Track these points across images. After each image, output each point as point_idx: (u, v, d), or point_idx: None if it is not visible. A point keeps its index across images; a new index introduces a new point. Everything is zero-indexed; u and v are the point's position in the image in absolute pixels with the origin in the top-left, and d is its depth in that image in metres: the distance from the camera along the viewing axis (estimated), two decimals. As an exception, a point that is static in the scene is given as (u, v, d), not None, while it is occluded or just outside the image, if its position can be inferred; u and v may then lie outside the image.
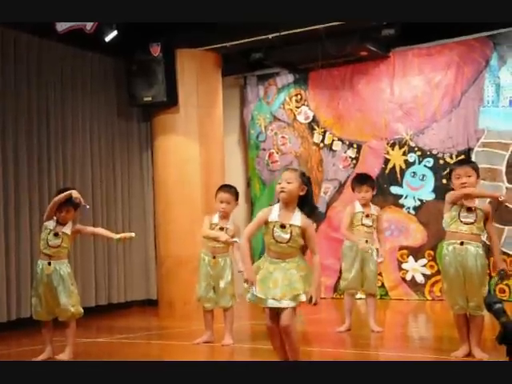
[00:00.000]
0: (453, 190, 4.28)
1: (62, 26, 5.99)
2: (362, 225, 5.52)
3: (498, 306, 2.01)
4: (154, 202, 7.89)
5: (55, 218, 4.66)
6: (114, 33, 6.59)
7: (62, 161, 6.95)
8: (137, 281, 7.78)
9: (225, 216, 5.16)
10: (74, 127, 7.17)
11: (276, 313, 3.63)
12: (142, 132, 8.04)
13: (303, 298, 3.56)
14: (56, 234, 4.61)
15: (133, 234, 4.86)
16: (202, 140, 7.64)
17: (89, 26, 5.61)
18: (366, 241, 5.52)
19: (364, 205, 5.58)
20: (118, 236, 4.80)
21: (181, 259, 7.49)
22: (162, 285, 7.71)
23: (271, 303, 3.57)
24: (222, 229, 5.11)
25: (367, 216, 5.55)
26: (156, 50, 7.38)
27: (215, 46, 7.49)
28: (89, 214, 7.20)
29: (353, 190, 5.69)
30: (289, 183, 3.57)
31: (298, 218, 3.60)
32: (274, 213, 3.61)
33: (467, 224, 4.13)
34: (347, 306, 5.66)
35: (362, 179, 5.74)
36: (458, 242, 4.15)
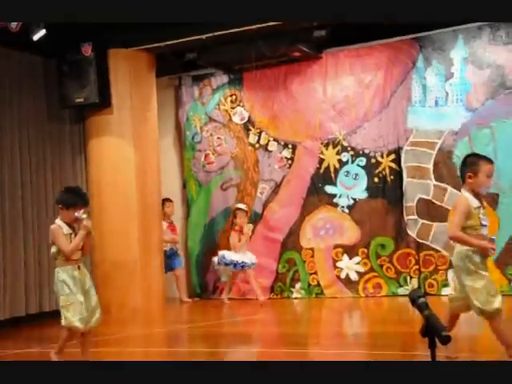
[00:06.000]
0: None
1: (-17, 25, 5.76)
2: (482, 225, 3.85)
3: (421, 300, 2.06)
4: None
5: (62, 219, 4.29)
6: (43, 31, 6.40)
7: (-11, 165, 6.72)
8: (71, 286, 7.57)
9: None
10: (2, 130, 6.93)
11: None
12: (75, 134, 7.85)
13: None
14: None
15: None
16: (137, 142, 7.54)
17: (13, 24, 5.40)
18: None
19: (478, 195, 3.90)
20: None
21: (117, 263, 7.37)
22: (96, 290, 7.46)
23: None
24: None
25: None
26: (87, 50, 7.23)
27: (148, 46, 7.40)
28: (18, 221, 6.99)
29: (471, 173, 3.86)
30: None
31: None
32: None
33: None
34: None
35: (486, 157, 4.01)
36: None
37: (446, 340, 1.92)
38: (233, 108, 8.27)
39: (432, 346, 1.99)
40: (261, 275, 7.74)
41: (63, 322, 4.31)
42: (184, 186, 8.54)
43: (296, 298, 7.72)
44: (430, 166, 7.24)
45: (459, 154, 7.12)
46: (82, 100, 7.30)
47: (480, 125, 7.06)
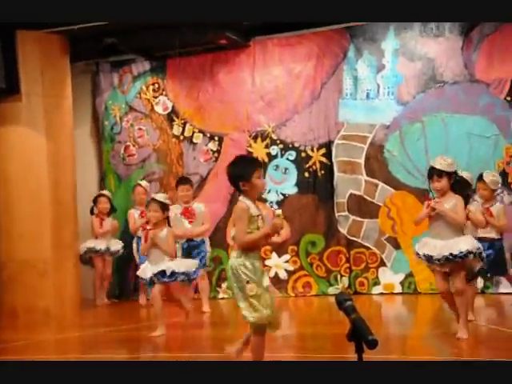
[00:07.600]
0: None
1: None
2: None
3: (348, 303, 2.02)
4: (-7, 200, 7.11)
5: (248, 197, 3.51)
6: None
7: None
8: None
9: None
10: None
11: None
12: (-21, 122, 7.21)
13: None
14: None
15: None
16: (49, 131, 7.04)
17: None
18: None
19: None
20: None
21: (26, 263, 6.86)
22: (2, 292, 6.99)
23: None
24: None
25: None
26: (-10, 32, 6.64)
27: (61, 28, 6.87)
28: None
29: None
30: None
31: None
32: None
33: None
34: None
35: None
36: None
37: (372, 344, 1.90)
38: (155, 97, 7.89)
39: (359, 351, 1.97)
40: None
41: (254, 315, 3.39)
42: (102, 179, 8.05)
43: (222, 299, 7.41)
44: (362, 161, 7.10)
45: (390, 149, 7.03)
46: (-16, 85, 6.72)
47: (411, 119, 7.02)
